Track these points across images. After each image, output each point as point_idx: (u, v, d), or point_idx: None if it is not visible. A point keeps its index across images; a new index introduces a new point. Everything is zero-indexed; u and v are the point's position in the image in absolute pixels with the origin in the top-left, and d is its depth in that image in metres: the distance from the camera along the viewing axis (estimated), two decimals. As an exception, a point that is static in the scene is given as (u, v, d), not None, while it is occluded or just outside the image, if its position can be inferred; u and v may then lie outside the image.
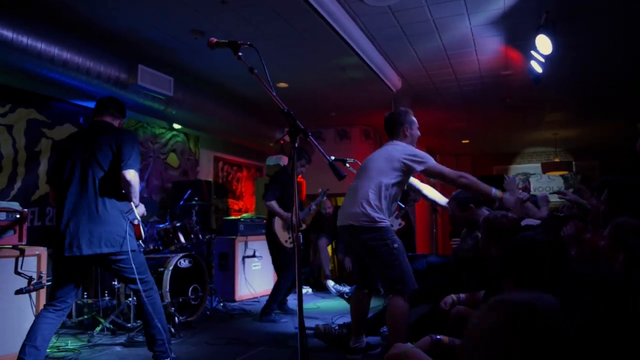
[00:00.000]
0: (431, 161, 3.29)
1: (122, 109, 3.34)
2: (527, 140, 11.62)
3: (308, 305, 5.67)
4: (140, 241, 3.15)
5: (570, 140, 11.33)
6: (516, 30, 5.08)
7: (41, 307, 3.52)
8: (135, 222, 3.06)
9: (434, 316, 3.23)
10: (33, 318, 3.46)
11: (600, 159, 11.90)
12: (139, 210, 3.16)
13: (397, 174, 3.24)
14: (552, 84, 6.60)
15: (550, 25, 4.60)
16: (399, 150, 3.32)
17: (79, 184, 2.96)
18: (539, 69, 5.31)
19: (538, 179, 12.73)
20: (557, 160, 11.77)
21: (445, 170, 3.31)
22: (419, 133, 3.56)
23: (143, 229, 3.14)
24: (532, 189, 12.72)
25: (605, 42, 5.51)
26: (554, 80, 6.43)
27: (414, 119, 3.54)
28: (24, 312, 3.46)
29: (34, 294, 3.50)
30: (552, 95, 7.51)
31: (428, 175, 3.40)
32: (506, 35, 5.25)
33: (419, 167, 3.24)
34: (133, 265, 2.98)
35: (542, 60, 5.11)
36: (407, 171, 3.27)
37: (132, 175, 2.96)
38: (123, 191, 3.00)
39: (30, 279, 3.49)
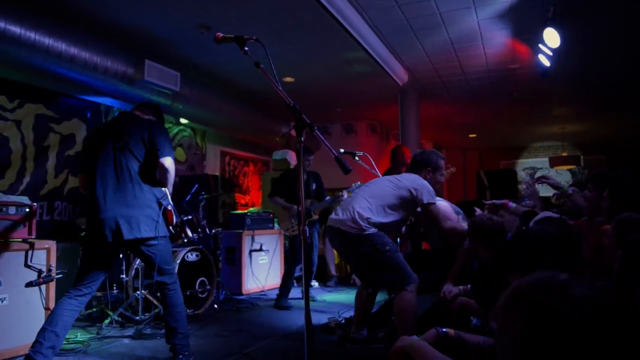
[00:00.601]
0: (437, 202, 3.39)
1: (159, 113, 3.44)
2: (535, 135, 11.56)
3: (314, 298, 5.69)
4: (171, 228, 3.18)
5: (578, 135, 11.26)
6: (524, 23, 5.05)
7: (51, 299, 3.58)
8: (169, 207, 3.11)
9: (439, 309, 3.25)
10: (43, 310, 3.51)
11: (607, 153, 11.83)
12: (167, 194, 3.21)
13: (400, 201, 3.31)
14: (559, 77, 6.56)
15: (558, 19, 4.56)
16: (412, 179, 3.41)
17: (114, 172, 3.01)
18: (546, 63, 5.27)
19: (545, 173, 12.66)
20: (564, 154, 11.71)
21: (440, 217, 3.36)
22: (441, 179, 3.62)
23: (175, 215, 3.19)
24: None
25: (614, 36, 5.46)
26: (562, 74, 6.39)
27: (442, 164, 3.60)
28: (34, 304, 3.50)
29: (43, 287, 3.54)
30: (559, 89, 7.46)
31: (426, 213, 3.42)
32: (513, 28, 5.22)
33: (425, 199, 3.29)
34: (164, 252, 3.06)
35: (550, 53, 5.07)
36: (412, 200, 3.32)
37: (169, 163, 3.05)
38: (158, 178, 3.10)
39: (40, 272, 3.53)
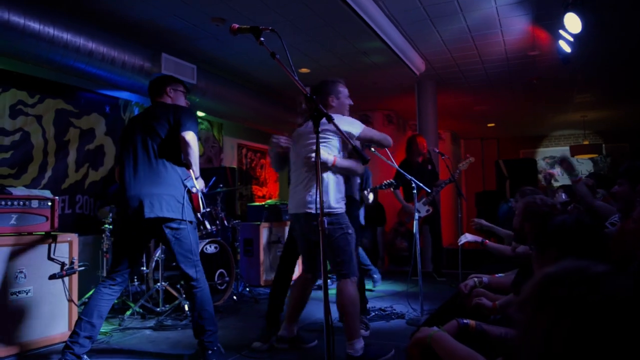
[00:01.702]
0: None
1: (174, 81, 3.36)
2: (555, 123, 11.35)
3: (332, 290, 5.70)
4: (199, 214, 3.13)
5: (600, 122, 11.03)
6: (544, 8, 4.94)
7: (74, 291, 3.64)
8: (194, 190, 3.04)
9: (457, 300, 3.21)
10: (66, 302, 3.58)
11: (630, 141, 11.57)
12: (199, 184, 3.11)
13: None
14: (581, 63, 6.42)
15: (579, 3, 4.45)
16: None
17: (140, 154, 3.02)
18: (567, 49, 5.16)
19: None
20: (586, 143, 11.48)
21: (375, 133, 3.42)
22: (350, 102, 3.49)
23: (202, 202, 3.11)
24: (559, 173, 12.46)
25: (637, 19, 5.31)
26: (583, 60, 6.26)
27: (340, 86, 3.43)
28: (58, 296, 3.56)
29: (66, 279, 3.60)
30: (581, 75, 7.30)
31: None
32: (533, 14, 5.11)
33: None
34: (191, 239, 2.98)
35: (571, 39, 4.96)
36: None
37: (190, 137, 2.97)
38: (182, 159, 3.06)
39: (62, 264, 3.59)
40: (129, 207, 2.94)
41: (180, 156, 3.07)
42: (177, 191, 2.98)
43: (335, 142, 3.14)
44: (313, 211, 3.04)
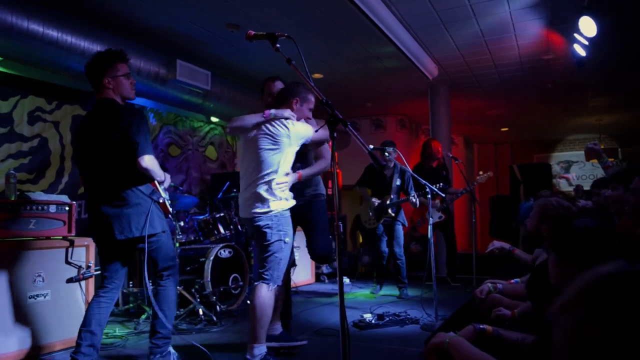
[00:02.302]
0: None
1: (109, 64, 2.92)
2: (570, 127, 11.25)
3: (346, 294, 5.70)
4: (170, 215, 3.08)
5: (615, 126, 10.91)
6: (558, 12, 4.92)
7: (90, 295, 3.68)
8: (161, 200, 2.95)
9: (472, 305, 3.18)
10: (83, 306, 3.62)
11: (647, 145, 11.44)
12: (166, 182, 3.02)
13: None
14: (596, 67, 6.37)
15: (595, 6, 4.42)
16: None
17: (97, 174, 2.87)
18: (582, 53, 5.13)
19: (581, 166, 12.33)
20: (601, 147, 11.35)
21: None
22: (309, 114, 3.30)
23: (169, 205, 3.04)
24: (574, 177, 12.34)
25: (654, 22, 5.27)
26: (598, 64, 6.21)
27: (310, 97, 3.29)
28: (75, 300, 3.61)
29: (83, 283, 3.65)
30: (595, 79, 7.24)
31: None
32: (547, 18, 5.09)
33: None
34: (165, 246, 2.95)
35: (586, 43, 4.93)
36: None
37: (147, 162, 2.76)
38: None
39: (79, 268, 3.63)
40: (100, 228, 2.87)
41: (139, 171, 2.83)
42: (143, 208, 2.85)
43: (285, 143, 3.05)
44: (256, 215, 2.97)
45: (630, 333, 0.69)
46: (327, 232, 3.66)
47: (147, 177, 2.87)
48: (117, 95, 2.92)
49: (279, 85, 3.52)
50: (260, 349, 2.95)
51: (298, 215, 3.31)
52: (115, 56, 2.98)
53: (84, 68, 2.98)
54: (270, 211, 2.97)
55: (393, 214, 5.55)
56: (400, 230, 5.62)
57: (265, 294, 2.94)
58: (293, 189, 3.17)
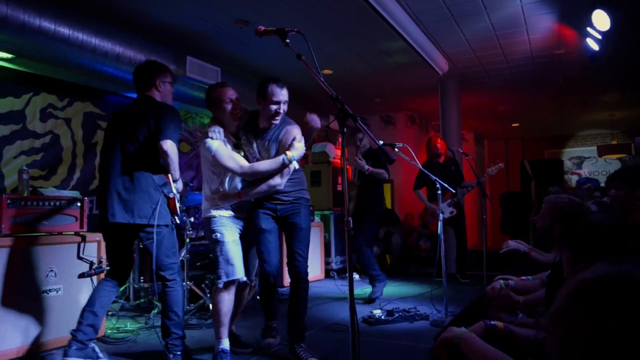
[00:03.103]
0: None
1: (162, 71, 3.18)
2: (581, 122, 11.14)
3: (356, 290, 5.69)
4: (176, 217, 3.08)
5: (628, 121, 10.77)
6: (570, 6, 4.86)
7: (102, 290, 3.72)
8: (171, 195, 3.00)
9: (482, 302, 3.16)
10: (95, 301, 3.65)
11: (661, 140, 11.27)
12: (178, 185, 3.10)
13: None
14: (609, 61, 6.29)
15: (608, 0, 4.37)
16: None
17: (117, 157, 2.99)
18: (595, 47, 5.06)
19: (594, 162, 12.19)
20: (614, 142, 11.22)
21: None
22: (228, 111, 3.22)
23: (179, 203, 3.07)
24: (586, 174, 12.21)
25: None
26: (611, 58, 6.12)
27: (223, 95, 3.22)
28: (86, 295, 3.61)
29: (95, 278, 3.67)
30: (608, 73, 7.15)
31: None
32: (559, 12, 5.03)
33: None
34: (165, 242, 2.97)
35: (599, 37, 4.87)
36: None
37: (168, 146, 2.86)
38: (161, 162, 2.96)
39: (91, 263, 3.66)
40: (107, 211, 2.95)
41: (158, 161, 2.97)
42: (151, 197, 2.93)
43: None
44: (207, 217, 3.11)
45: (620, 337, 0.68)
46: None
47: (163, 168, 2.96)
48: (160, 96, 3.16)
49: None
50: (218, 346, 3.03)
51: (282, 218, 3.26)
52: (166, 67, 3.31)
53: (135, 68, 3.21)
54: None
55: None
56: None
57: (216, 292, 3.03)
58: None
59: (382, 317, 4.12)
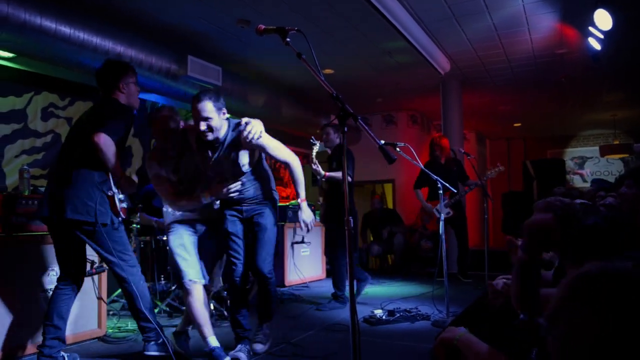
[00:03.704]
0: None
1: (125, 72, 3.08)
2: (584, 122, 11.11)
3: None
4: (120, 218, 2.96)
5: (631, 121, 10.74)
6: (572, 5, 4.85)
7: (103, 289, 3.72)
8: (110, 193, 2.90)
9: (483, 301, 3.15)
10: (96, 300, 3.65)
11: (664, 140, 11.24)
12: (129, 188, 3.06)
13: None
14: (611, 61, 6.27)
15: (610, -1, 4.36)
16: None
17: (62, 154, 2.96)
18: (597, 46, 5.05)
19: (596, 162, 12.16)
20: (616, 142, 11.19)
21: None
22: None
23: (119, 203, 2.94)
24: (589, 174, 12.18)
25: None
26: (613, 58, 6.10)
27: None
28: (88, 294, 3.63)
29: (96, 277, 3.67)
30: (610, 73, 7.13)
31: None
32: (561, 11, 5.02)
33: None
34: (107, 240, 2.87)
35: (601, 36, 4.85)
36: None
37: (101, 139, 2.68)
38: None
39: (92, 262, 3.65)
40: (45, 207, 2.90)
41: (99, 157, 2.80)
42: (87, 193, 2.82)
43: None
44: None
45: (618, 334, 0.68)
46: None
47: (103, 165, 2.82)
48: (125, 97, 3.05)
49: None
50: (207, 347, 3.06)
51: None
52: (128, 66, 3.19)
53: (96, 72, 3.09)
54: None
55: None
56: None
57: (186, 296, 3.09)
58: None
59: (383, 317, 4.11)
